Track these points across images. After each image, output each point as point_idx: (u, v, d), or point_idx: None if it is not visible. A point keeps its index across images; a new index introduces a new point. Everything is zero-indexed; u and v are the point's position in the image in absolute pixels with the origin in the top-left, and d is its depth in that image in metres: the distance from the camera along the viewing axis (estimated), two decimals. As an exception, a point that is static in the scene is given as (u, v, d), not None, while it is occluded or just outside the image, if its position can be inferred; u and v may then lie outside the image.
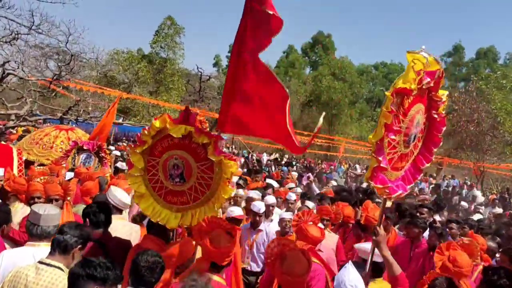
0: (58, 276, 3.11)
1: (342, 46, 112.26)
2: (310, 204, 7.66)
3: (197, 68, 38.03)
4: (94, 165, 9.45)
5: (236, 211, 6.07)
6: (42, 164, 9.40)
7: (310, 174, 16.92)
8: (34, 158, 9.58)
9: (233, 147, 33.70)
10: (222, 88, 38.99)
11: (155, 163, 3.96)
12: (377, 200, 7.55)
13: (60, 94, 22.77)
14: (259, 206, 6.55)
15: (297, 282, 3.39)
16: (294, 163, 25.78)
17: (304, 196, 8.94)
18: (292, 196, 8.37)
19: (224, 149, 23.83)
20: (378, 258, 3.86)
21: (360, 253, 4.28)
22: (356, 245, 4.54)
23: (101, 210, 4.32)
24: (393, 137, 3.38)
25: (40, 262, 3.18)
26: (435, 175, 25.38)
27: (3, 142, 10.21)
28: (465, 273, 3.85)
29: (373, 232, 3.67)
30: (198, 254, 3.63)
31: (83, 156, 9.43)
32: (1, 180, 5.77)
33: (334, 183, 15.28)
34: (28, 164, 8.67)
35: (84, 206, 4.99)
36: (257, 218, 6.49)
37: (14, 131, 16.90)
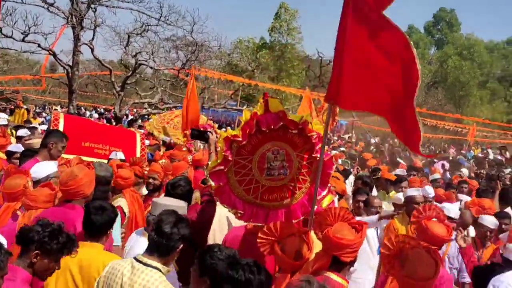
0: (155, 279, 2.89)
1: (468, 21, 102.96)
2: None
3: (318, 53, 37.67)
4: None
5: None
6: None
7: (444, 161, 15.56)
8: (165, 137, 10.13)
9: (353, 132, 32.71)
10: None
11: (247, 162, 3.64)
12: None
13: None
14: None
15: (421, 286, 2.97)
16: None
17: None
18: (431, 192, 6.55)
19: (345, 135, 23.12)
20: None
21: None
22: None
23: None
24: None
25: (137, 260, 3.00)
26: None
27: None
28: None
29: None
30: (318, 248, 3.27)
31: None
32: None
33: (465, 170, 13.91)
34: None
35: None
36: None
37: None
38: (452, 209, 5.37)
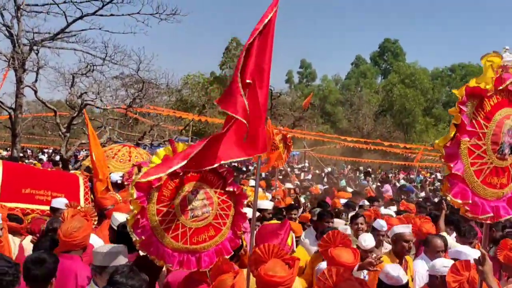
0: None
1: (413, 50, 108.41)
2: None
3: (268, 85, 38.24)
4: None
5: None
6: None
7: (388, 186, 15.90)
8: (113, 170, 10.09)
9: (306, 162, 33.20)
10: (293, 105, 39.57)
11: (169, 208, 3.62)
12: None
13: (141, 121, 23.76)
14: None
15: None
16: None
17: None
18: (384, 226, 6.13)
19: (296, 165, 23.30)
20: None
21: None
22: None
23: None
24: (467, 139, 2.96)
25: None
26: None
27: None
28: None
29: (477, 260, 3.16)
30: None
31: None
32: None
33: (414, 197, 14.37)
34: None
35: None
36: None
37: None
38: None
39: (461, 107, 2.88)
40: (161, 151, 3.64)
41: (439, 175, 26.88)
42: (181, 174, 3.59)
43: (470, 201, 3.03)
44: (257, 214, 7.27)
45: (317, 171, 25.79)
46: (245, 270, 3.57)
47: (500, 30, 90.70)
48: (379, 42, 61.43)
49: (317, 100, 47.31)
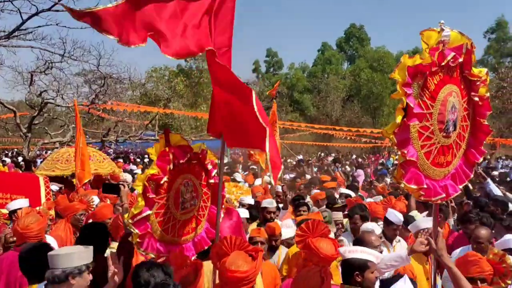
0: None
1: (378, 36, 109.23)
2: None
3: (235, 75, 38.09)
4: None
5: None
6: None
7: (361, 171, 16.05)
8: (60, 173, 10.08)
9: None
10: (261, 94, 39.48)
11: (164, 200, 3.51)
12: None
13: (106, 118, 23.29)
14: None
15: None
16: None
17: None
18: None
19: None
20: None
21: None
22: None
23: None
24: (416, 122, 2.84)
25: None
26: (489, 157, 23.77)
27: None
28: None
29: (430, 238, 3.16)
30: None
31: None
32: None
33: (388, 180, 14.57)
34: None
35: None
36: None
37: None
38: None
39: (405, 89, 2.74)
40: (158, 145, 3.48)
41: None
42: (176, 165, 3.48)
43: (425, 186, 2.97)
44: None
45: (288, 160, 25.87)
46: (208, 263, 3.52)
47: (462, 12, 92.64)
48: (344, 29, 61.77)
49: (285, 88, 47.34)
